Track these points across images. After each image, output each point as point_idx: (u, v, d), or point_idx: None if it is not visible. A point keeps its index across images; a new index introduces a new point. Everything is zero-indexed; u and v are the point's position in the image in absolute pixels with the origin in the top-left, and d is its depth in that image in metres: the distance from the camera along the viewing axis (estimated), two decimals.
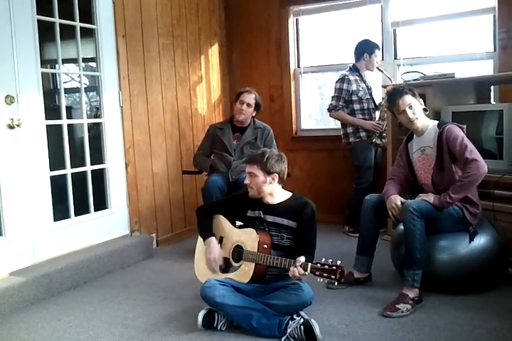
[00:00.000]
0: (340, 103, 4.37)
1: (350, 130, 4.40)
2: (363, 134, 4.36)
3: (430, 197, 2.90)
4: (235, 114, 4.06)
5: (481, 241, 2.93)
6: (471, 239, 2.91)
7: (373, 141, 4.33)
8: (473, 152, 2.84)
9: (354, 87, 4.35)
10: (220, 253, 2.80)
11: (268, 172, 2.67)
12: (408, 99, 3.00)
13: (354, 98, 4.37)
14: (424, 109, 3.07)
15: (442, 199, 2.85)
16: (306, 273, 2.43)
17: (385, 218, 3.30)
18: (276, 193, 2.74)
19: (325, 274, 2.40)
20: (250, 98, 4.02)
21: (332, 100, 4.42)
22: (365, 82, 4.45)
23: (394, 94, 3.07)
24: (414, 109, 3.00)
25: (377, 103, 4.45)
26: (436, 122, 3.06)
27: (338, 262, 2.42)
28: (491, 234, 2.99)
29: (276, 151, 2.79)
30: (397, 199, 2.98)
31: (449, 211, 2.90)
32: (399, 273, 3.12)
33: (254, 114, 4.08)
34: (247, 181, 2.72)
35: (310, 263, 2.43)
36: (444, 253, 2.91)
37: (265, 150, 2.76)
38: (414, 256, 2.80)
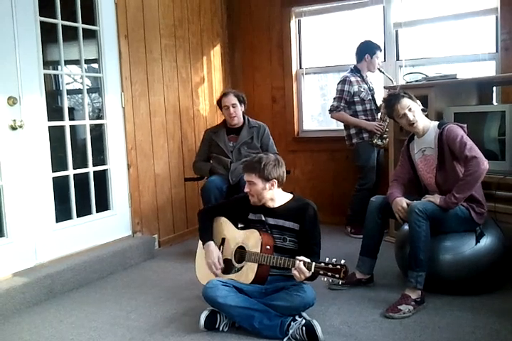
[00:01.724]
0: (342, 104, 4.36)
1: (353, 131, 4.40)
2: (365, 135, 4.35)
3: (436, 199, 2.90)
4: (227, 120, 4.04)
5: (486, 242, 2.92)
6: (478, 241, 2.90)
7: (374, 142, 4.32)
8: (472, 149, 2.84)
9: (356, 88, 4.35)
10: (219, 257, 2.79)
11: (267, 179, 2.64)
12: (406, 101, 3.00)
13: (356, 99, 4.37)
14: (423, 110, 3.07)
15: (448, 200, 2.84)
16: (310, 272, 2.43)
17: (389, 219, 3.30)
18: (276, 197, 2.73)
19: (329, 273, 2.39)
20: (231, 99, 3.96)
21: (333, 101, 4.41)
22: (366, 83, 4.45)
23: (391, 100, 3.07)
24: (414, 111, 3.00)
25: (378, 104, 4.45)
26: (437, 123, 3.06)
27: (342, 261, 2.42)
28: (495, 235, 2.99)
29: (272, 156, 2.73)
30: (402, 202, 2.97)
31: (455, 211, 2.89)
32: (403, 273, 3.12)
33: (243, 109, 4.03)
34: (247, 189, 2.70)
35: (314, 263, 2.43)
36: (448, 253, 2.90)
37: (261, 156, 2.71)
38: (418, 258, 2.80)
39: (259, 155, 2.73)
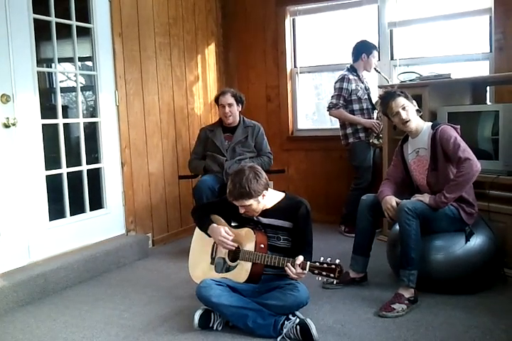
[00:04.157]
0: (341, 101, 4.36)
1: (349, 131, 4.40)
2: (362, 135, 4.36)
3: (426, 198, 2.91)
4: (222, 118, 4.05)
5: (476, 241, 2.94)
6: (467, 240, 2.92)
7: (371, 141, 4.33)
8: (466, 151, 2.85)
9: (353, 86, 4.35)
10: (225, 229, 2.73)
11: (258, 196, 2.59)
12: (401, 100, 3.01)
13: (354, 97, 4.37)
14: (418, 110, 3.08)
15: (437, 199, 2.86)
16: (305, 271, 2.43)
17: (381, 218, 3.31)
18: (269, 199, 2.71)
19: (324, 273, 2.40)
20: (227, 98, 3.98)
21: (332, 99, 4.40)
22: (363, 82, 4.45)
23: (386, 97, 3.08)
24: (408, 110, 3.01)
25: (374, 103, 4.45)
26: (430, 123, 3.07)
27: (337, 261, 2.43)
28: (486, 234, 3.00)
29: (247, 170, 2.60)
30: (392, 200, 2.98)
31: (445, 211, 2.91)
32: (395, 273, 3.13)
33: (240, 109, 4.05)
34: (242, 211, 2.63)
35: (309, 262, 2.44)
36: (439, 253, 2.92)
37: (240, 178, 2.56)
38: (410, 256, 2.81)
39: (237, 179, 2.58)
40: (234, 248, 2.72)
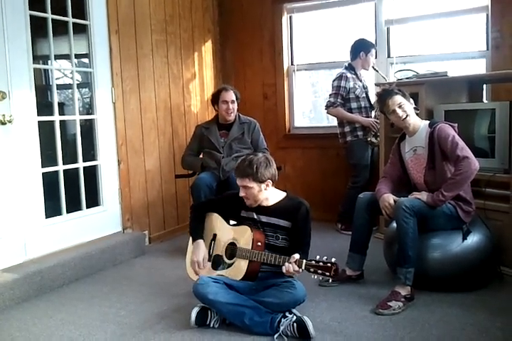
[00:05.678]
0: (339, 100, 4.35)
1: (347, 129, 4.39)
2: (360, 133, 4.36)
3: (423, 196, 2.92)
4: (222, 115, 4.00)
5: (473, 239, 2.95)
6: (464, 238, 2.93)
7: (369, 139, 4.33)
8: (464, 149, 2.85)
9: (351, 84, 4.35)
10: (205, 257, 2.80)
11: (261, 181, 2.62)
12: (398, 98, 3.02)
13: (351, 96, 4.36)
14: (415, 108, 3.08)
15: (435, 197, 2.86)
16: (301, 269, 2.44)
17: (378, 216, 3.31)
18: (270, 195, 2.72)
19: (319, 271, 2.40)
20: (231, 95, 3.97)
21: (330, 97, 4.40)
22: (360, 81, 4.45)
23: (383, 95, 3.09)
24: (404, 108, 3.01)
25: (372, 102, 4.45)
26: (428, 122, 3.07)
27: (333, 259, 2.43)
28: (483, 232, 3.01)
29: (261, 156, 2.68)
30: (389, 198, 2.99)
31: (442, 209, 2.91)
32: (391, 271, 3.14)
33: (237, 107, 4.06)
34: (242, 194, 2.66)
35: (305, 260, 2.44)
36: (436, 251, 2.93)
37: (251, 158, 2.65)
38: (407, 254, 2.82)
39: (249, 158, 2.67)
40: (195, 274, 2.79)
